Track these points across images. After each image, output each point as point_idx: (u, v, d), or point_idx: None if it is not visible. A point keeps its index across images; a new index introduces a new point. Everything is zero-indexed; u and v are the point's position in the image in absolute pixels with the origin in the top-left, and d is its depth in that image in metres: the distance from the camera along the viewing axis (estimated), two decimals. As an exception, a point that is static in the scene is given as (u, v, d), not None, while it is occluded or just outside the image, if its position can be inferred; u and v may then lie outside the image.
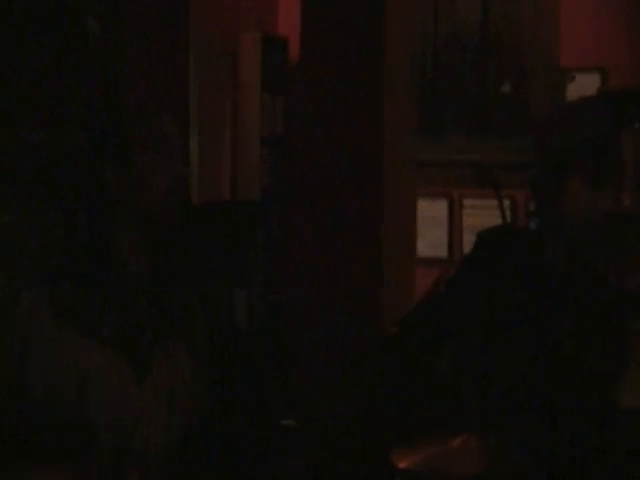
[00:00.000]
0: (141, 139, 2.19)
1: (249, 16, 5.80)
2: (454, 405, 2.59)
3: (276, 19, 6.04)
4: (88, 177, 2.32)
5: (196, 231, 4.77)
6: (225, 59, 5.74)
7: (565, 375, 2.50)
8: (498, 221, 4.42)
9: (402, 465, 2.21)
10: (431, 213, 6.17)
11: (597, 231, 2.53)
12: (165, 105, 4.50)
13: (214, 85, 5.67)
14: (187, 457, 2.29)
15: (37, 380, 2.12)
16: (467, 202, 6.17)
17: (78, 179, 2.72)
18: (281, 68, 5.85)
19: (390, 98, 4.64)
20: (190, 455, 2.31)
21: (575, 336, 2.53)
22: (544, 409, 2.46)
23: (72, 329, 2.13)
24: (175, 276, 2.37)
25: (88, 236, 2.26)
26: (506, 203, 5.00)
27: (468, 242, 5.59)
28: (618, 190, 2.63)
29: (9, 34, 3.84)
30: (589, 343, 2.54)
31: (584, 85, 5.78)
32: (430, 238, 6.15)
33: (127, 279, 2.19)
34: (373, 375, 3.17)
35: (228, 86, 5.78)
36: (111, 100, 4.14)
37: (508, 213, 5.36)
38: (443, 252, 6.24)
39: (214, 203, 5.52)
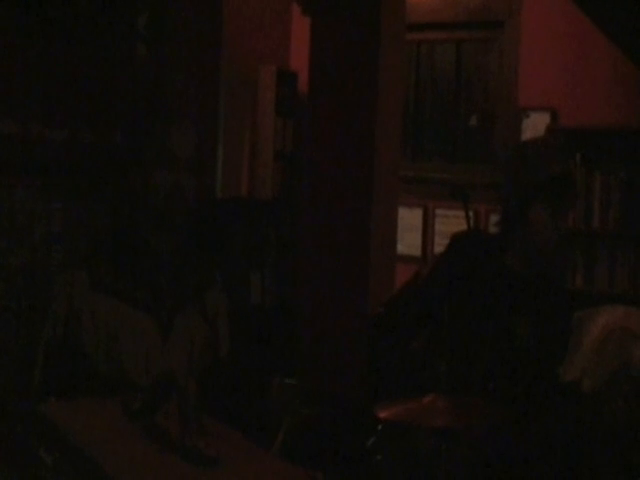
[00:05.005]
0: (155, 153, 2.42)
1: (266, 52, 6.14)
2: (427, 373, 2.71)
3: (288, 56, 6.34)
4: (118, 174, 2.51)
5: (219, 220, 5.05)
6: (246, 87, 6.02)
7: (519, 357, 2.64)
8: (463, 228, 4.64)
9: (383, 415, 2.33)
10: (409, 220, 6.38)
11: (553, 248, 2.70)
12: (198, 122, 4.75)
13: (237, 108, 5.90)
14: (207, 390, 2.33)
15: (80, 336, 2.32)
16: (439, 212, 6.37)
17: (115, 176, 2.67)
18: (292, 96, 6.18)
19: (381, 126, 4.78)
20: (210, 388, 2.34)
21: (528, 326, 2.66)
22: (502, 384, 2.61)
23: (108, 295, 2.31)
24: (192, 255, 2.53)
25: (118, 221, 2.46)
26: (471, 214, 5.23)
27: (438, 244, 6.33)
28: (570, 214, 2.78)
29: (71, 48, 3.93)
30: (540, 332, 2.67)
31: (536, 122, 5.93)
32: (408, 240, 6.38)
33: (150, 256, 2.37)
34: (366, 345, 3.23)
35: (248, 109, 6.05)
36: (149, 114, 4.11)
37: (472, 222, 5.48)
38: (417, 252, 6.45)
39: (235, 198, 5.73)
